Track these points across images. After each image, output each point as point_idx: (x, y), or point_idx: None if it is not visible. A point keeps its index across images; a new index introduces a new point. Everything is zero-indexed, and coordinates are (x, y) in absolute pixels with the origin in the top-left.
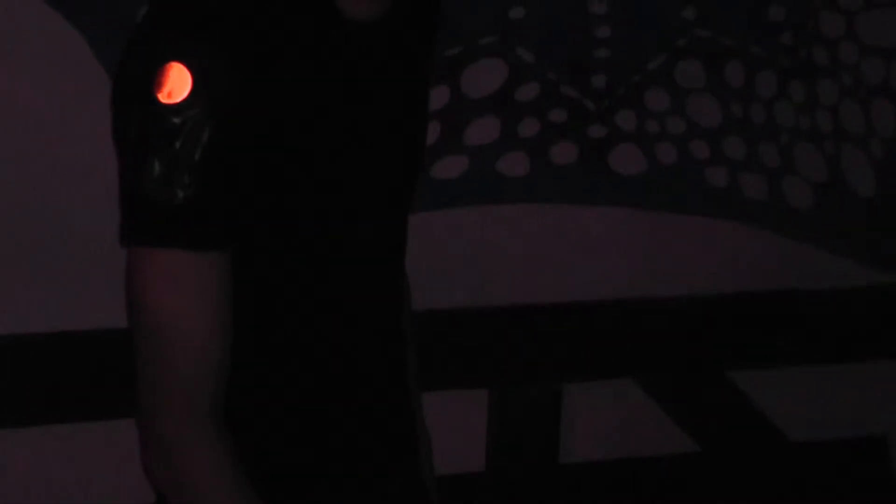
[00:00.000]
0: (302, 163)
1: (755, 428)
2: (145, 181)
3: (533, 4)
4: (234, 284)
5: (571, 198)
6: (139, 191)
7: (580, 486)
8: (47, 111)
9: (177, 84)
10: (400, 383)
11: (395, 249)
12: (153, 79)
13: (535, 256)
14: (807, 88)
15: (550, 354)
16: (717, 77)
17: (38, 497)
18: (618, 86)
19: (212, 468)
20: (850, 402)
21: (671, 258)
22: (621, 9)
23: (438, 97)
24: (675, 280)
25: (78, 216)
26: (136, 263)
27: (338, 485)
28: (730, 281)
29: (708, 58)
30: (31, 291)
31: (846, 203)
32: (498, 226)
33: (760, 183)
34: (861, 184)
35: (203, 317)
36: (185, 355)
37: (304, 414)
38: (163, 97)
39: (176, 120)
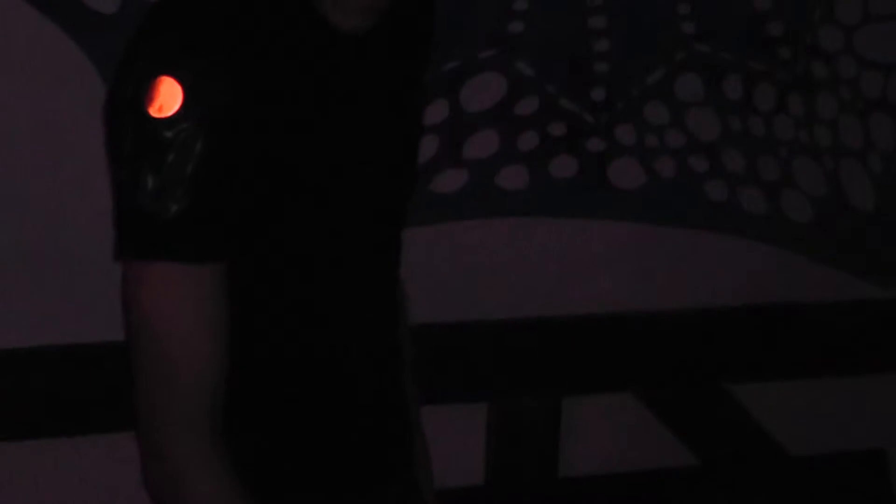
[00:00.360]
0: (294, 175)
1: (754, 441)
2: (138, 195)
3: (532, 18)
4: (230, 296)
5: (571, 211)
6: (132, 205)
7: (579, 499)
8: (47, 123)
9: (168, 98)
10: (396, 394)
11: (389, 262)
12: (144, 93)
13: (535, 270)
14: (805, 102)
15: (550, 368)
16: (716, 91)
17: None
18: (617, 100)
19: (210, 480)
20: (849, 415)
21: (670, 272)
22: (621, 23)
23: (437, 111)
24: (674, 293)
25: (77, 228)
26: (130, 277)
27: (335, 494)
28: (729, 294)
29: (707, 72)
30: (27, 304)
31: (845, 217)
32: (497, 239)
33: (759, 197)
34: (860, 197)
35: (198, 329)
36: (182, 368)
37: (300, 424)
38: (154, 111)
39: (168, 134)
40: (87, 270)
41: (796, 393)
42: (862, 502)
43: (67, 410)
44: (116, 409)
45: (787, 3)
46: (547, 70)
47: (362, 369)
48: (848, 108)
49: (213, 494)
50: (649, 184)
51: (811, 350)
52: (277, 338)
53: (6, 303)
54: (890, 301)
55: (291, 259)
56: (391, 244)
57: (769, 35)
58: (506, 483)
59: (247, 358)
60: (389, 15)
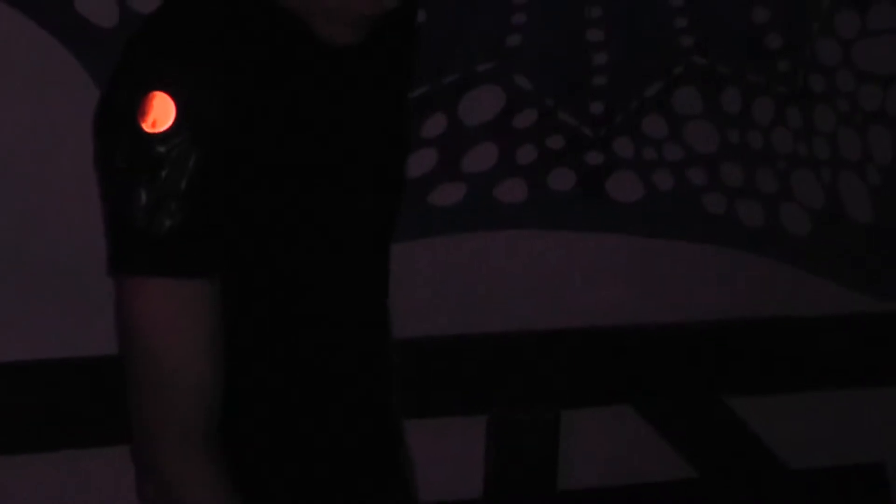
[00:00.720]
0: (287, 188)
1: (753, 454)
2: (132, 210)
3: (530, 31)
4: (224, 308)
5: (569, 224)
6: (126, 220)
7: None
8: (46, 136)
9: (161, 113)
10: (385, 406)
11: (380, 273)
12: (137, 108)
13: (533, 283)
14: (804, 115)
15: (548, 380)
16: (715, 104)
17: None
18: (615, 113)
19: (206, 493)
20: (848, 428)
21: (669, 284)
22: (619, 36)
23: (436, 124)
24: (672, 306)
25: (74, 239)
26: (125, 293)
27: (331, 501)
28: (727, 307)
29: (705, 85)
30: (23, 316)
31: (843, 229)
32: (496, 252)
33: (758, 209)
34: (858, 210)
35: (194, 343)
36: (177, 382)
37: (296, 433)
38: (147, 126)
39: (161, 149)
40: (84, 282)
41: (795, 406)
42: None
43: (63, 423)
44: (112, 422)
45: (785, 17)
46: (545, 83)
47: (356, 377)
48: (846, 121)
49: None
50: (648, 197)
51: (809, 363)
52: (271, 349)
53: (2, 315)
54: (888, 314)
55: (285, 271)
56: (382, 255)
57: (768, 48)
58: (504, 496)
59: (242, 370)
60: (377, 30)
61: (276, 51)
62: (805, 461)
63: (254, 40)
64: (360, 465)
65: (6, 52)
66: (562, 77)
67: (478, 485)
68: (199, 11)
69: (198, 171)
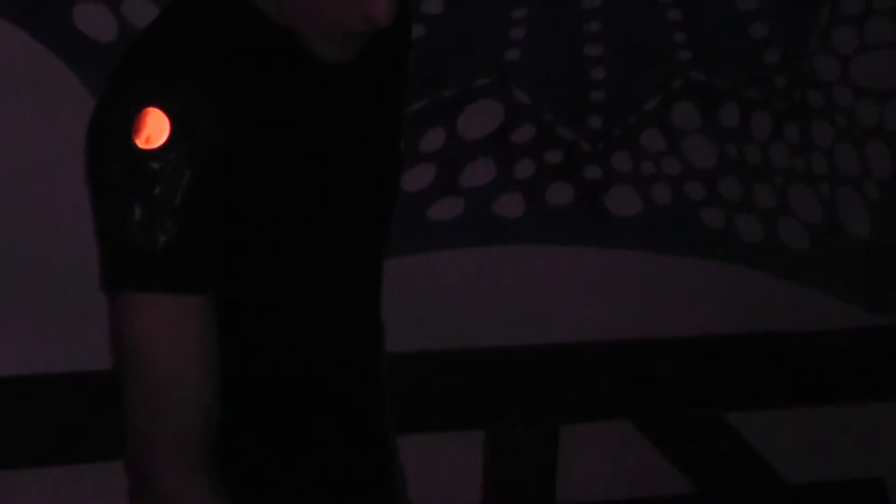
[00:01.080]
0: (281, 204)
1: (752, 470)
2: (126, 226)
3: (529, 46)
4: (219, 323)
5: (567, 239)
6: (120, 236)
7: None
8: (43, 151)
9: (155, 129)
10: (377, 422)
11: (373, 287)
12: (131, 124)
13: (532, 298)
14: (801, 130)
15: (547, 395)
16: (713, 119)
17: None
18: (613, 127)
19: None
20: (847, 444)
21: (667, 300)
22: (617, 51)
23: (434, 139)
24: (670, 322)
25: (70, 254)
26: (120, 309)
27: None
28: (725, 322)
29: (703, 100)
30: (17, 331)
31: (841, 244)
32: (494, 267)
33: (756, 224)
34: (856, 225)
35: (188, 359)
36: (172, 398)
37: (286, 451)
38: (141, 142)
39: (155, 165)
40: (79, 297)
41: (794, 421)
42: None
43: (55, 439)
44: (105, 437)
45: (783, 32)
46: (544, 98)
47: (349, 392)
48: (844, 136)
49: None
50: (646, 211)
51: (808, 378)
52: (265, 364)
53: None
54: (887, 328)
55: (278, 286)
56: (375, 269)
57: (766, 63)
58: None
59: (235, 384)
60: (370, 45)
61: (270, 67)
62: (804, 476)
63: (247, 57)
64: (354, 480)
65: (4, 66)
66: (560, 92)
67: (476, 500)
68: (193, 28)
69: (192, 187)
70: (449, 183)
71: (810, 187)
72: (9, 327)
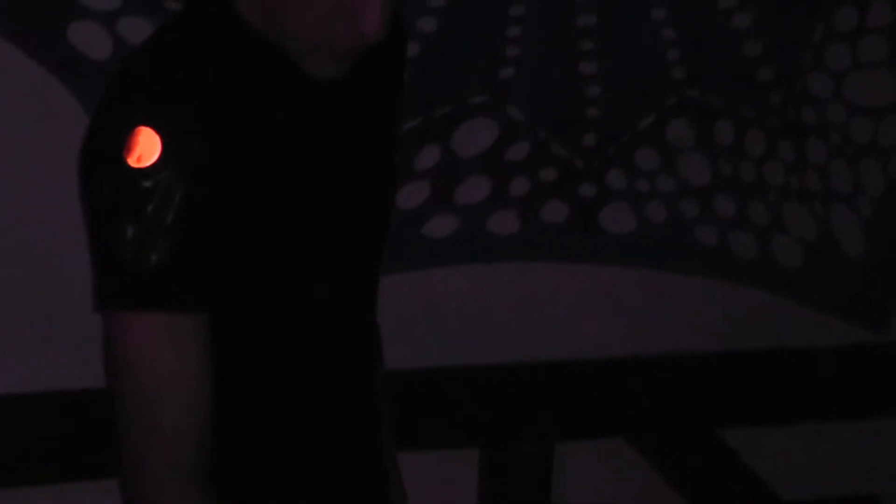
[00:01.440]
0: (274, 221)
1: (747, 487)
2: (118, 245)
3: (523, 64)
4: (213, 341)
5: (562, 256)
6: (113, 255)
7: None
8: (39, 168)
9: (146, 148)
10: (375, 441)
11: (367, 308)
12: (123, 143)
13: (526, 315)
14: (796, 148)
15: (542, 413)
16: (707, 136)
17: None
18: (608, 145)
19: None
20: (843, 461)
21: (661, 316)
22: (611, 69)
23: (429, 156)
24: (665, 338)
25: (65, 272)
26: (113, 328)
27: None
28: (719, 339)
29: (697, 117)
30: (12, 349)
31: (835, 262)
32: (488, 284)
33: (750, 241)
34: (850, 242)
35: (182, 378)
36: (166, 417)
37: (282, 467)
38: (133, 161)
39: (147, 184)
40: (73, 316)
41: (788, 438)
42: None
43: (48, 457)
44: (99, 455)
45: (777, 50)
46: (538, 115)
47: (346, 408)
48: (837, 154)
49: None
50: (640, 228)
51: (802, 395)
52: (260, 381)
53: None
54: (881, 346)
55: (272, 303)
56: (369, 287)
57: (760, 81)
58: None
59: (230, 402)
60: (362, 61)
61: (261, 85)
62: (799, 493)
63: (239, 75)
64: (351, 496)
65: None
66: (555, 109)
67: None
68: (185, 47)
69: (184, 205)
70: (444, 200)
71: (804, 205)
72: (2, 346)
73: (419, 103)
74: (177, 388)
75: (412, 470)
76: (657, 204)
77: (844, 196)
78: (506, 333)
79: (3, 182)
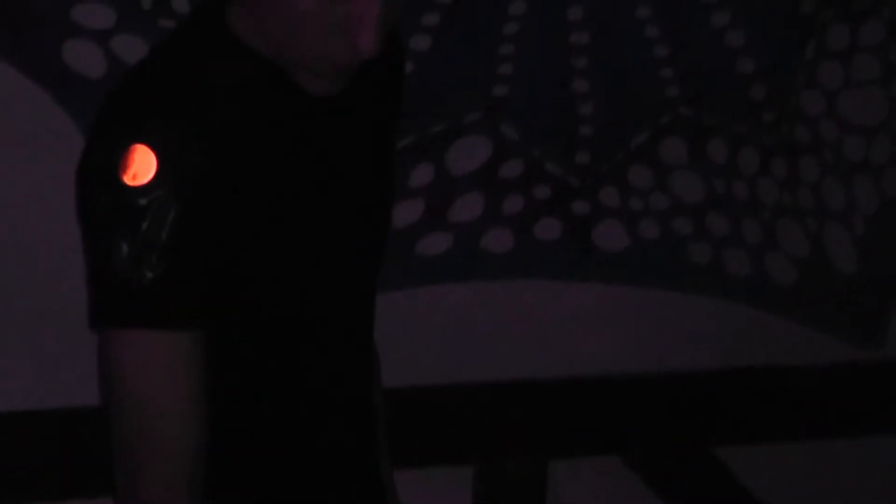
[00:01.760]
0: (270, 239)
1: None
2: (113, 262)
3: (517, 82)
4: (208, 359)
5: (555, 274)
6: (107, 272)
7: None
8: (34, 187)
9: (142, 166)
10: (371, 458)
11: (363, 325)
12: (118, 161)
13: (520, 332)
14: (789, 165)
15: (536, 431)
16: (700, 154)
17: None
18: (601, 162)
19: None
20: (835, 477)
21: (655, 334)
22: (605, 87)
23: (423, 174)
24: (660, 356)
25: (62, 291)
26: (108, 345)
27: None
28: (713, 357)
29: (691, 135)
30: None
31: (828, 279)
32: (483, 302)
33: (743, 259)
34: (843, 260)
35: (177, 396)
36: (161, 433)
37: (277, 485)
38: (128, 179)
39: (142, 201)
40: (68, 333)
41: (783, 456)
42: None
43: (43, 475)
44: (93, 473)
45: (770, 68)
46: (532, 133)
47: (341, 426)
48: (831, 171)
49: None
50: (634, 246)
51: (795, 412)
52: (254, 398)
53: None
54: (874, 363)
55: (267, 321)
56: (366, 305)
57: (753, 99)
58: None
59: (225, 418)
60: (358, 77)
61: (257, 103)
62: None
63: (234, 93)
64: None
65: None
66: (548, 127)
67: None
68: (180, 65)
69: (178, 223)
70: (437, 218)
71: (797, 222)
72: None
73: (413, 121)
74: (171, 405)
75: (406, 487)
76: (651, 221)
77: (837, 213)
78: (500, 351)
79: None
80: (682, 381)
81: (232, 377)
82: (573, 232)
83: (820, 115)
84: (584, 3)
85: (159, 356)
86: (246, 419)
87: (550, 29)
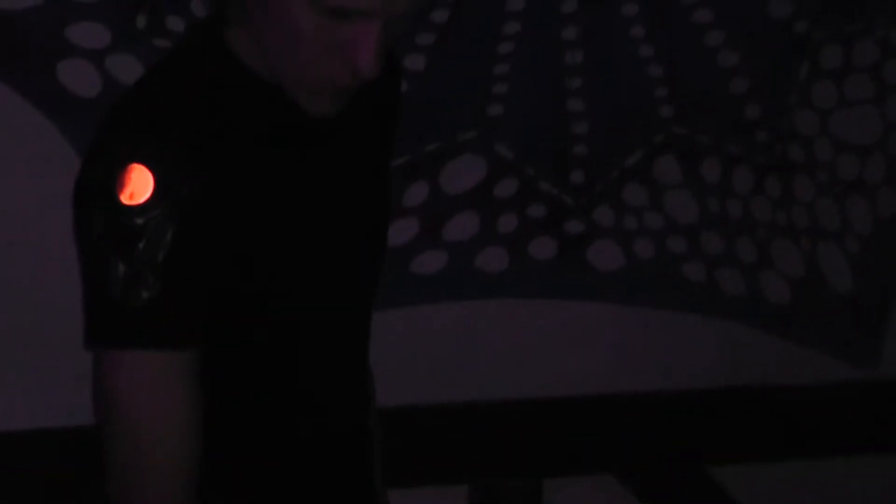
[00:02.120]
0: (266, 259)
1: None
2: (109, 282)
3: (511, 101)
4: (204, 380)
5: (550, 293)
6: (103, 292)
7: None
8: (31, 207)
9: (139, 185)
10: (366, 479)
11: (359, 345)
12: (115, 180)
13: (514, 351)
14: (783, 185)
15: (530, 449)
16: (694, 173)
17: None
18: (596, 182)
19: None
20: (829, 497)
21: (649, 353)
22: (599, 106)
23: (417, 193)
24: (653, 375)
25: (58, 311)
26: (103, 365)
27: None
28: (708, 376)
29: (685, 154)
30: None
31: (823, 298)
32: (477, 321)
33: (738, 278)
34: (837, 279)
35: (172, 416)
36: (155, 454)
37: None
38: (125, 199)
39: (139, 221)
40: (64, 353)
41: (777, 475)
42: None
43: (38, 494)
44: (87, 493)
45: (764, 87)
46: (526, 152)
47: (338, 452)
48: (825, 191)
49: None
50: (628, 265)
51: (792, 432)
52: (250, 419)
53: None
54: (869, 382)
55: (263, 342)
56: (362, 327)
57: (747, 118)
58: None
59: (220, 439)
60: (357, 98)
61: (255, 122)
62: None
63: (232, 112)
64: None
65: None
66: (543, 146)
67: None
68: (178, 85)
69: (175, 244)
70: (432, 237)
71: (792, 241)
72: None
73: (407, 140)
74: (166, 426)
75: None
76: (645, 240)
77: (832, 233)
78: (494, 370)
79: None
80: (676, 399)
81: (227, 396)
82: (567, 251)
83: (814, 134)
84: (578, 22)
85: (155, 376)
86: (240, 437)
87: (545, 48)
